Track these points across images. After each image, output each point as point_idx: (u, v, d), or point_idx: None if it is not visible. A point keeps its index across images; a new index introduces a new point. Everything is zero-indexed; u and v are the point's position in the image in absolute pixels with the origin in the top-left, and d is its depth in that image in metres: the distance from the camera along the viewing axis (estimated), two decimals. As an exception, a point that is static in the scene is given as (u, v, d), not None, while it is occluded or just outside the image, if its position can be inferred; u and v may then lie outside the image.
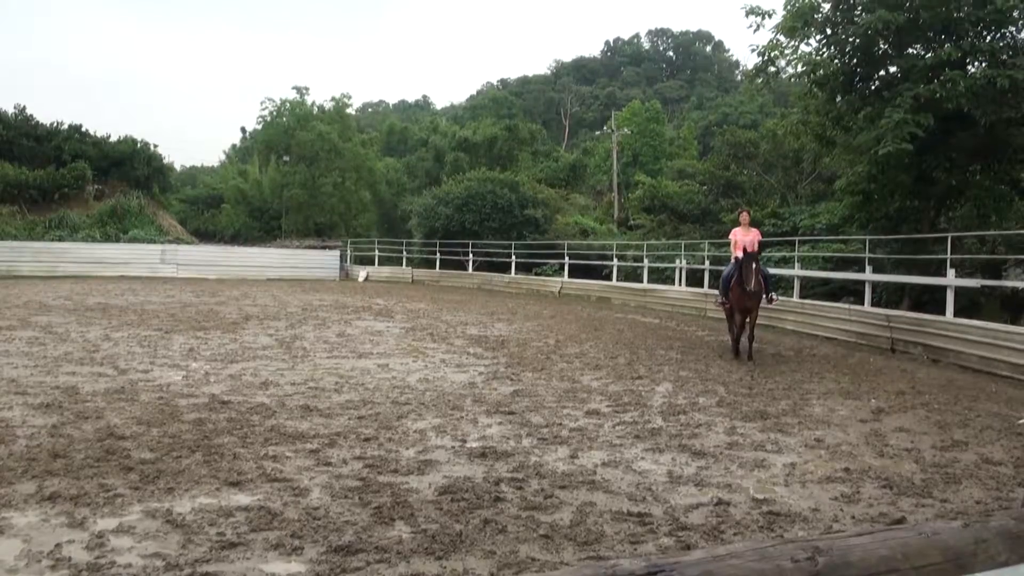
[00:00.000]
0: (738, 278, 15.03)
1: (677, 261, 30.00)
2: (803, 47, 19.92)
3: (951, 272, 17.13)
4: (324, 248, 49.71)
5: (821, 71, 19.72)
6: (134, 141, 62.23)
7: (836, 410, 10.67)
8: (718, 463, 7.79)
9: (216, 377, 12.01)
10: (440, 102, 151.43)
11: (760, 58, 20.47)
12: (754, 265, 14.90)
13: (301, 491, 6.64)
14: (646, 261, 31.52)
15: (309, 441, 8.29)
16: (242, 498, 6.45)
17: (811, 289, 23.74)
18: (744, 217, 16.70)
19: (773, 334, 19.80)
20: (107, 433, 8.42)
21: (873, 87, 19.97)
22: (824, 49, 19.86)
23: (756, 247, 15.75)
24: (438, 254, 43.14)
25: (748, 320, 15.34)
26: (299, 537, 5.63)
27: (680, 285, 28.80)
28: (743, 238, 15.78)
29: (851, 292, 22.37)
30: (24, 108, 59.94)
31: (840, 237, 25.22)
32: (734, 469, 7.61)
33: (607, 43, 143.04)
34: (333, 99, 64.51)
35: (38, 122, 59.78)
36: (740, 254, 15.26)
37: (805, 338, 19.29)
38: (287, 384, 11.47)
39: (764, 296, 15.29)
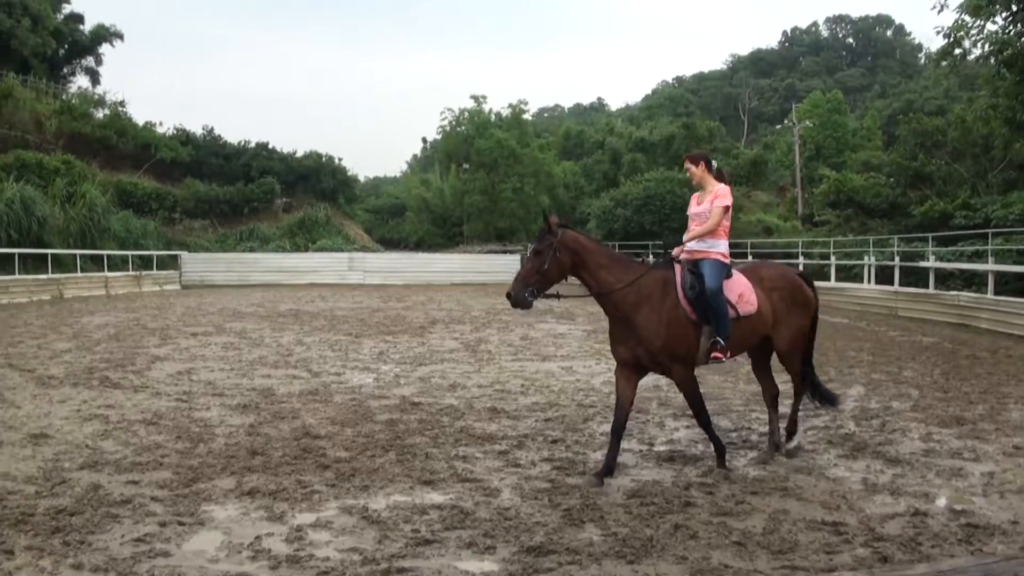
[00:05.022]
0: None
1: (865, 258, 28.88)
2: (989, 26, 18.87)
3: None
4: (505, 252, 50.33)
5: (1009, 50, 18.55)
6: (319, 155, 65.00)
7: (1039, 415, 10.02)
8: (914, 471, 7.45)
9: (406, 379, 12.34)
10: (615, 103, 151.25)
11: (945, 40, 19.54)
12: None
13: (492, 491, 6.74)
14: (833, 258, 30.53)
15: (498, 442, 8.42)
16: (435, 497, 6.60)
17: (1006, 285, 22.39)
18: (692, 169, 8.02)
19: (967, 333, 18.86)
20: (303, 432, 8.77)
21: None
22: (1012, 27, 18.65)
23: (713, 225, 7.73)
24: (617, 255, 42.96)
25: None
26: (491, 536, 5.71)
27: (869, 283, 27.74)
28: (693, 210, 8.03)
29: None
30: (212, 129, 63.63)
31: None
32: (930, 477, 7.27)
33: (784, 33, 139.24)
34: (510, 106, 65.57)
35: (226, 142, 63.30)
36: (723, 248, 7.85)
37: (1001, 338, 18.17)
38: (474, 386, 11.67)
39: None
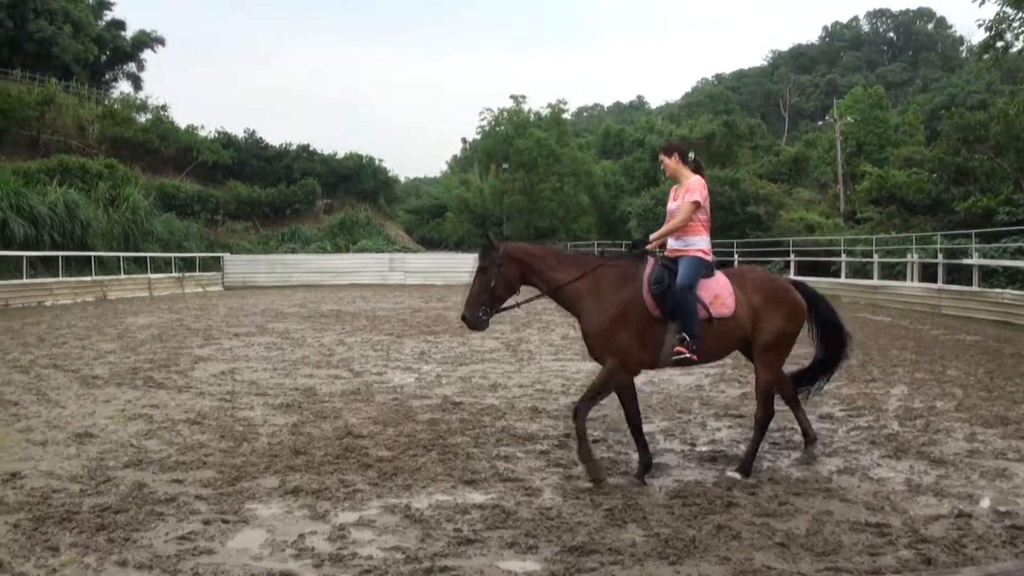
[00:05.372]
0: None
1: (908, 255, 28.54)
2: (1032, 18, 18.47)
3: None
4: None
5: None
6: (360, 157, 65.50)
7: (1087, 415, 9.83)
8: (958, 472, 7.34)
9: (447, 379, 12.37)
10: (655, 101, 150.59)
11: (986, 33, 19.21)
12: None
13: (533, 491, 6.73)
14: (875, 256, 30.18)
15: (539, 442, 8.41)
16: (477, 496, 6.60)
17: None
18: (665, 161, 7.71)
19: (1012, 331, 18.59)
20: (345, 432, 8.81)
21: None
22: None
23: (680, 222, 7.41)
24: (658, 255, 42.81)
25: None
26: (533, 536, 5.70)
27: (912, 281, 27.40)
28: (670, 206, 7.72)
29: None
30: (254, 132, 64.38)
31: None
32: (975, 478, 7.15)
33: (825, 28, 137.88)
34: (549, 106, 65.64)
35: (267, 144, 64.02)
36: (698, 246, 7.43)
37: (1048, 336, 17.91)
38: (515, 386, 11.68)
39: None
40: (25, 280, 28.81)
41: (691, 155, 7.59)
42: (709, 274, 7.31)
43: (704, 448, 8.22)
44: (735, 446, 8.27)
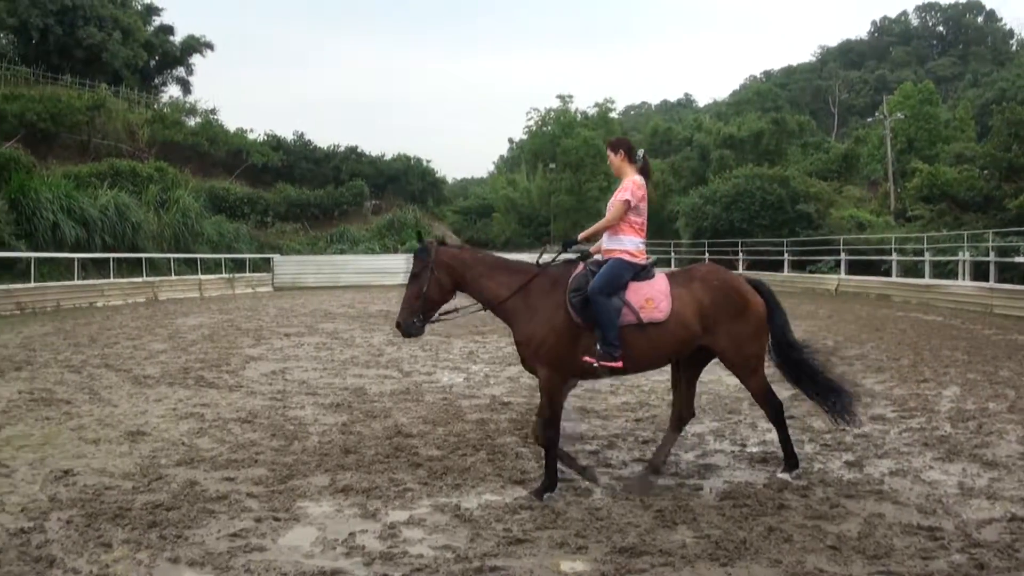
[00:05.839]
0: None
1: (960, 254, 28.11)
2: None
3: None
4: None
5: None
6: (408, 158, 65.84)
7: None
8: (1011, 475, 7.22)
9: (495, 379, 12.40)
10: (702, 99, 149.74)
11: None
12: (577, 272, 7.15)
13: (583, 491, 6.73)
14: (926, 255, 29.76)
15: (588, 442, 8.42)
16: (526, 496, 6.61)
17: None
18: (611, 158, 7.49)
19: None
20: (395, 431, 8.87)
21: None
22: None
23: (607, 222, 7.21)
24: (707, 254, 42.65)
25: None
26: (583, 536, 5.70)
27: (964, 280, 26.98)
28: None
29: None
30: (302, 134, 64.90)
31: None
32: (1028, 482, 7.04)
33: (873, 23, 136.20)
34: (596, 105, 65.43)
35: (316, 146, 64.63)
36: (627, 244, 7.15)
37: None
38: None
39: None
40: (77, 281, 29.19)
41: (640, 153, 7.33)
42: (645, 277, 7.02)
43: (754, 449, 8.16)
44: (786, 447, 8.19)
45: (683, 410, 7.37)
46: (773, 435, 8.61)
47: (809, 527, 5.89)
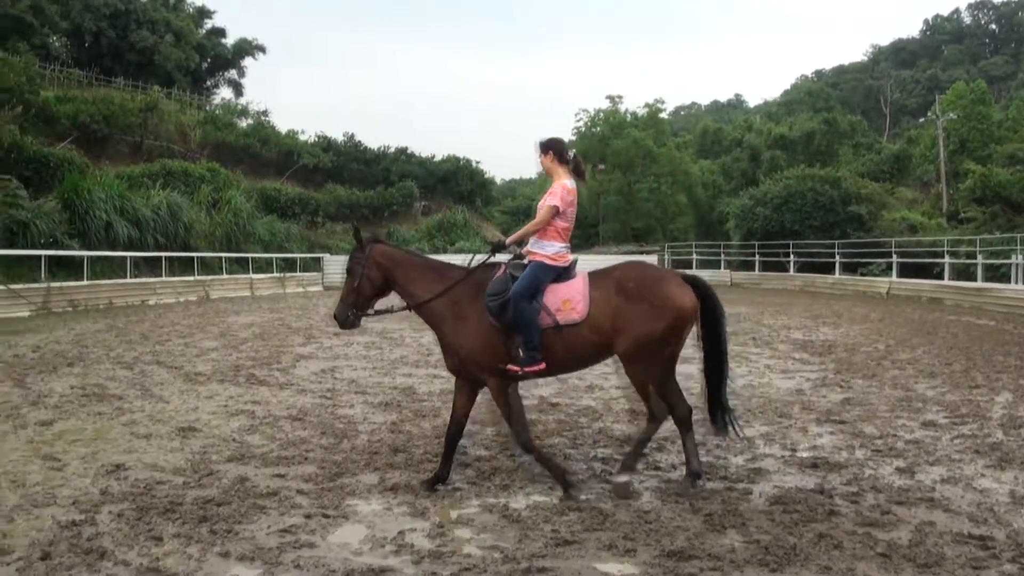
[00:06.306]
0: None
1: (1013, 257, 27.64)
2: None
3: None
4: (642, 253, 49.99)
5: None
6: (457, 159, 66.26)
7: None
8: (1065, 484, 7.10)
9: (544, 380, 12.34)
10: (753, 100, 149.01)
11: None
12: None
13: (632, 494, 6.70)
14: (979, 257, 29.32)
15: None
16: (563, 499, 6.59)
17: None
18: (541, 159, 7.39)
19: None
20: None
21: None
22: None
23: (535, 225, 7.17)
24: (757, 256, 42.41)
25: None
26: (631, 539, 5.68)
27: (1017, 283, 26.53)
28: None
29: None
30: (353, 136, 65.73)
31: None
32: (1083, 491, 6.90)
33: (925, 21, 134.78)
34: (646, 105, 65.21)
35: (366, 147, 65.29)
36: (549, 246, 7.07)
37: None
38: (611, 387, 11.60)
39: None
40: (129, 280, 29.67)
41: (571, 154, 7.20)
42: (566, 277, 6.91)
43: (805, 454, 8.06)
44: (837, 452, 8.10)
45: (654, 407, 7.15)
46: (824, 440, 8.60)
47: (859, 534, 5.81)
